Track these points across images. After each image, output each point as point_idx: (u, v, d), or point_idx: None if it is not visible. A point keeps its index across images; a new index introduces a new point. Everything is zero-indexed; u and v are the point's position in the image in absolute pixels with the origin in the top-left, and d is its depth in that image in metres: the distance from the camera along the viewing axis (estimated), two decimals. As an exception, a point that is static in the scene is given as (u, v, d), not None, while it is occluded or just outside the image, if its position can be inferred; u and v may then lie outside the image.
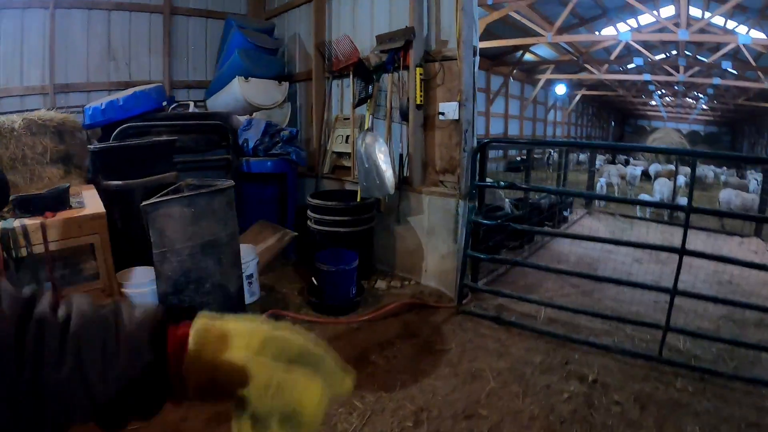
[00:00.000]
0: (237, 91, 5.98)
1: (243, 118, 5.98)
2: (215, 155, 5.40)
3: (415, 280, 4.82)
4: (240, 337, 0.58)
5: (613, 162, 17.62)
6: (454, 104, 4.17)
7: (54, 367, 0.51)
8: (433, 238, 4.59)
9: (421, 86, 4.43)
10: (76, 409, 0.54)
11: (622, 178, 12.86)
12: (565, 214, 8.19)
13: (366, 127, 4.82)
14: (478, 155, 4.04)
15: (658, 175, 12.68)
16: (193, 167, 5.16)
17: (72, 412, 0.53)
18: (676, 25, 11.59)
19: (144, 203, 3.06)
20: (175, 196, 3.15)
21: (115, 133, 4.62)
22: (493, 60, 18.45)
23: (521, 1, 11.96)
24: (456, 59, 4.12)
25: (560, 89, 23.62)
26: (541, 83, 21.38)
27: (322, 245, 4.59)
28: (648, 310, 4.12)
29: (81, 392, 0.53)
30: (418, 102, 4.45)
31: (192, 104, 6.46)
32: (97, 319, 0.56)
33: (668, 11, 13.06)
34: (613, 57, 17.13)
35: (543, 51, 18.53)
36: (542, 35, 12.76)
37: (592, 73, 18.11)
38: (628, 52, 16.94)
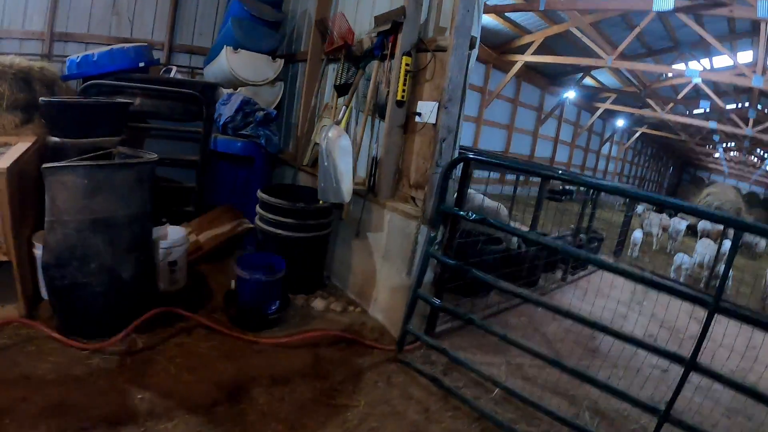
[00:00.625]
0: (224, 62, 5.51)
1: (227, 92, 5.49)
2: (189, 127, 4.86)
3: (362, 308, 4.02)
4: None
5: (660, 209, 16.21)
6: (433, 104, 3.35)
7: None
8: (387, 265, 3.79)
9: (405, 79, 3.62)
10: None
11: (664, 230, 11.57)
12: (585, 260, 7.21)
13: (336, 119, 4.03)
14: (455, 171, 3.20)
15: (703, 234, 11.38)
16: (166, 136, 4.89)
17: None
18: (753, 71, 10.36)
19: (44, 166, 2.76)
20: (70, 163, 2.80)
21: (80, 88, 4.35)
22: (550, 78, 17.43)
23: (584, 17, 10.96)
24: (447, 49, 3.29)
25: (620, 122, 22.27)
26: (599, 112, 20.10)
27: (265, 247, 4.00)
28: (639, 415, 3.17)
29: None
30: (399, 98, 3.64)
31: (174, 69, 6.10)
32: None
33: (746, 56, 11.84)
34: (679, 97, 15.81)
35: (605, 78, 17.38)
36: (602, 58, 11.66)
37: (654, 110, 16.77)
38: (697, 94, 15.67)
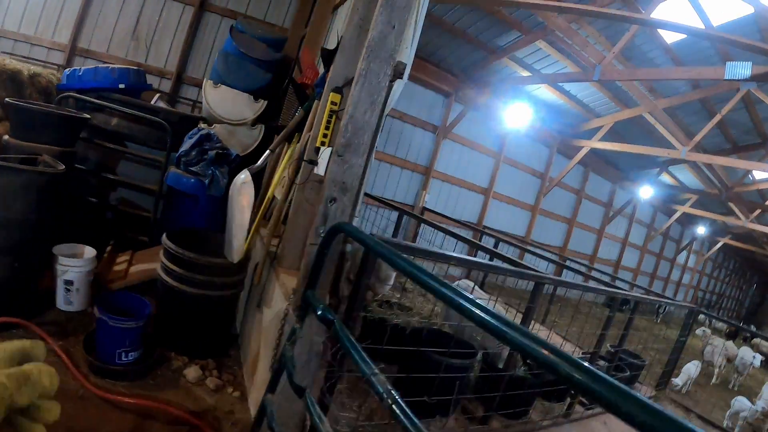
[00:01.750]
0: (204, 96, 5.31)
1: (203, 126, 5.14)
2: (157, 155, 4.85)
3: (243, 393, 3.13)
4: None
5: (733, 335, 13.99)
6: (328, 150, 2.43)
7: None
8: (262, 351, 2.92)
9: (329, 121, 2.73)
10: None
11: (729, 361, 9.67)
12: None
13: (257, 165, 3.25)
14: (332, 246, 2.21)
15: None
16: (139, 161, 4.97)
17: None
18: None
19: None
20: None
21: (56, 99, 4.58)
22: (623, 172, 16.04)
23: (658, 101, 9.79)
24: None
25: (701, 229, 20.19)
26: (677, 215, 18.26)
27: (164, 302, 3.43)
28: None
29: None
30: (319, 144, 2.74)
31: (157, 96, 6.40)
32: None
33: None
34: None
35: (684, 176, 15.79)
36: (677, 149, 10.34)
37: (738, 218, 14.92)
38: (787, 200, 13.78)
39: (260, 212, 3.53)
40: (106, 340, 2.95)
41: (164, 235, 3.37)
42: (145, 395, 2.83)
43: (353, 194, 2.41)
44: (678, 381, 7.63)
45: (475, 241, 5.49)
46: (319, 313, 1.94)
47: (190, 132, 4.81)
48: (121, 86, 5.09)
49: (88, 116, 4.29)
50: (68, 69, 5.13)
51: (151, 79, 6.93)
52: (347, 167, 2.36)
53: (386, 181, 10.94)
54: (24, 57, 6.17)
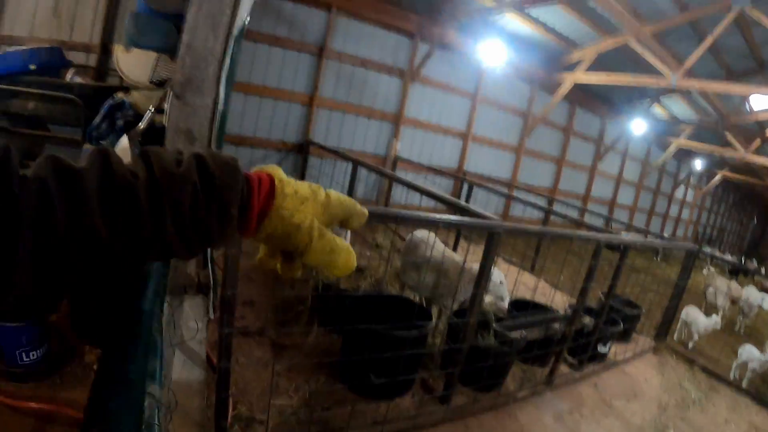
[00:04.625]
0: (116, 64, 4.76)
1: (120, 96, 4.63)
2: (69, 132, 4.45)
3: None
4: (310, 202, 0.76)
5: (736, 270, 13.60)
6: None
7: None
8: None
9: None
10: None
11: (733, 302, 9.23)
12: (601, 349, 5.35)
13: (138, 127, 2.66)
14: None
15: None
16: (56, 142, 4.40)
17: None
18: None
19: None
20: None
21: None
22: (612, 106, 15.39)
23: (643, 27, 9.06)
24: None
25: (698, 162, 19.68)
26: (671, 148, 17.71)
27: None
28: None
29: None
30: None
31: (73, 71, 5.73)
32: (180, 179, 0.63)
33: None
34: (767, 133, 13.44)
35: (678, 108, 15.20)
36: (666, 77, 9.66)
37: (736, 149, 14.40)
38: (787, 131, 13.23)
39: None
40: (2, 343, 2.65)
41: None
42: (47, 397, 2.52)
43: (203, 143, 1.93)
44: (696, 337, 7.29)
45: (439, 194, 4.94)
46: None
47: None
48: (32, 67, 4.83)
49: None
50: (-21, 57, 4.94)
51: (78, 56, 6.58)
52: (190, 111, 1.81)
53: (354, 133, 10.49)
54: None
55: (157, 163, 0.63)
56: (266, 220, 0.72)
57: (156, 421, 1.31)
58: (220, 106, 2.11)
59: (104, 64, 6.83)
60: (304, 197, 0.75)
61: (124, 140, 2.82)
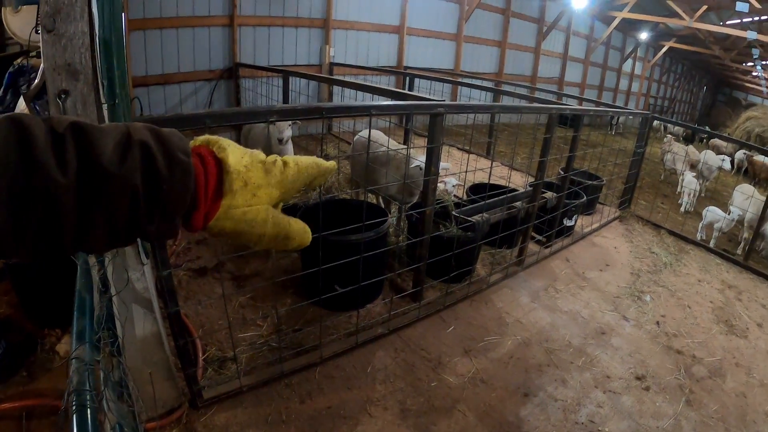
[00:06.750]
0: (7, 28, 4.51)
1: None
2: None
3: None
4: (263, 188, 0.68)
5: (691, 138, 13.75)
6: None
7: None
8: None
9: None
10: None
11: (692, 167, 9.25)
12: (568, 222, 5.19)
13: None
14: None
15: (741, 165, 8.94)
16: None
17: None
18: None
19: None
20: None
21: None
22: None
23: None
24: None
25: (643, 35, 19.51)
26: (616, 21, 17.41)
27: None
28: None
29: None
30: None
31: None
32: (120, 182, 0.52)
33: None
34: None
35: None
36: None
37: (681, 18, 14.15)
38: (732, -6, 13.01)
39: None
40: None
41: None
42: (20, 394, 2.54)
43: (88, 76, 1.63)
44: (685, 200, 7.26)
45: (379, 87, 4.57)
46: None
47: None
48: None
49: None
50: None
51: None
52: (66, 42, 1.59)
53: (283, 47, 9.75)
54: None
55: (92, 155, 0.50)
56: (213, 221, 0.64)
57: (87, 387, 1.16)
58: (99, 32, 1.83)
59: (1, 34, 6.19)
60: (257, 185, 0.67)
61: (21, 103, 2.52)
